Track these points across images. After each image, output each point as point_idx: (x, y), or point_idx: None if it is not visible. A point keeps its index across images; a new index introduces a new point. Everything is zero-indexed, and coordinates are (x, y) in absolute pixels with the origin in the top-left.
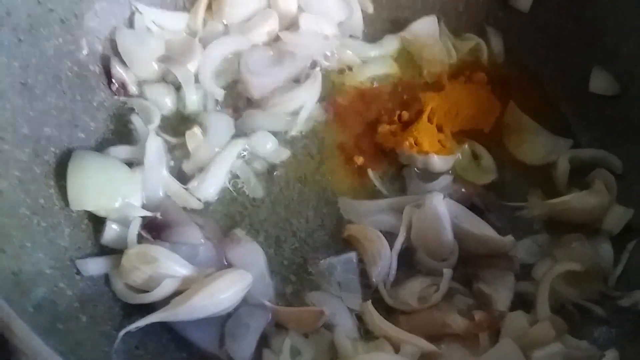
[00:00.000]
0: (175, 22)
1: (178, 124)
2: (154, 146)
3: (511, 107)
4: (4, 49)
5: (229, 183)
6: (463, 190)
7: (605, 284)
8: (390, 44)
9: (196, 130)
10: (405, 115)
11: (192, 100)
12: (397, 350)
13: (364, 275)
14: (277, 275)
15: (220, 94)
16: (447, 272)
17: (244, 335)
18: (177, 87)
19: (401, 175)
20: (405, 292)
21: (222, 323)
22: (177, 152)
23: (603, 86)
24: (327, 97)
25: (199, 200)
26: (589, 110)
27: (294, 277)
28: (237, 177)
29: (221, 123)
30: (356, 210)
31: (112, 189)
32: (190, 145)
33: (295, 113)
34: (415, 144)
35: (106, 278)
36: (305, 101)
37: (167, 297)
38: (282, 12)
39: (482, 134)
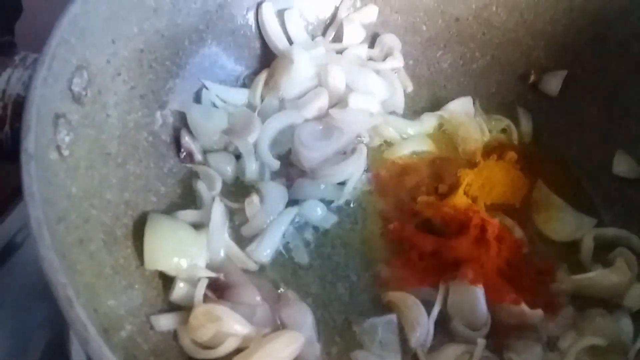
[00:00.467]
0: (237, 97)
1: (237, 190)
2: (219, 211)
3: (539, 185)
4: (95, 124)
5: (282, 247)
6: None
7: (625, 358)
8: (429, 122)
9: (254, 198)
10: (443, 187)
11: (252, 169)
12: None
13: (402, 339)
14: (323, 335)
15: (276, 165)
16: (481, 342)
17: None
18: (237, 156)
19: None
20: (441, 358)
21: None
22: (236, 217)
23: (626, 169)
24: (371, 169)
25: (255, 263)
26: (612, 191)
27: (338, 338)
28: (289, 242)
29: (277, 192)
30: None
31: (182, 251)
32: (249, 212)
33: (342, 183)
34: None
35: (174, 334)
36: (352, 173)
37: (229, 354)
38: (331, 91)
39: (513, 209)
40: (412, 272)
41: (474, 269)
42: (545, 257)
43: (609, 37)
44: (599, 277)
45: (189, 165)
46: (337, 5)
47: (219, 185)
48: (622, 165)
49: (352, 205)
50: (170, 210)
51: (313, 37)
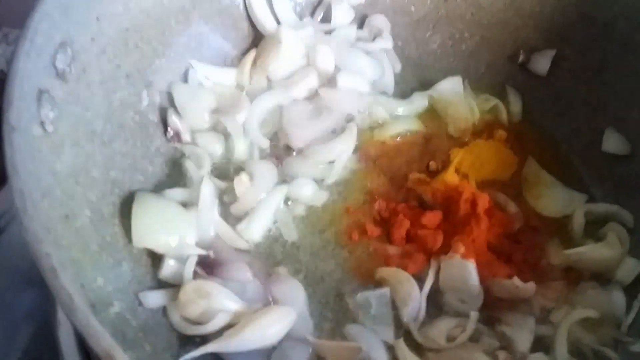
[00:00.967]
0: (225, 77)
1: (226, 170)
2: (208, 189)
3: (530, 162)
4: (80, 101)
5: (273, 225)
6: None
7: (618, 330)
8: (419, 101)
9: (243, 177)
10: (433, 165)
11: (240, 148)
12: None
13: (395, 315)
14: (315, 311)
15: (265, 143)
16: (474, 315)
17: None
18: (226, 136)
19: None
20: (433, 332)
21: (268, 355)
22: (226, 195)
23: (615, 146)
24: (361, 148)
25: (246, 240)
26: (603, 168)
27: (330, 314)
28: (280, 219)
29: (266, 171)
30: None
31: (171, 229)
32: (238, 190)
33: (332, 162)
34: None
35: (163, 310)
36: (342, 152)
37: (219, 330)
38: (321, 70)
39: (504, 186)
40: (403, 250)
41: (466, 244)
42: (537, 232)
43: (597, 16)
44: (590, 251)
45: (176, 145)
46: None
47: (208, 164)
48: (611, 142)
49: (342, 183)
50: (158, 189)
51: (301, 18)
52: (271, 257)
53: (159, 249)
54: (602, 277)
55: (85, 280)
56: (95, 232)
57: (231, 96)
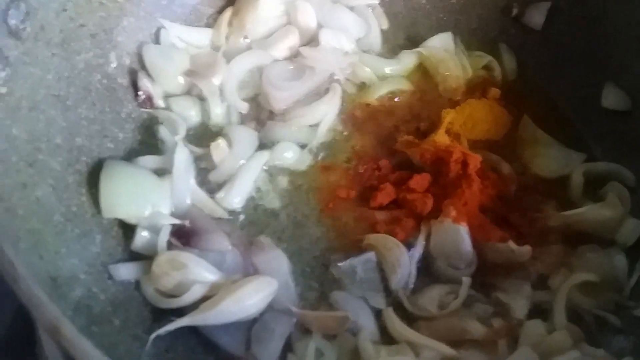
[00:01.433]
0: (199, 37)
1: (203, 135)
2: (182, 156)
3: (525, 120)
4: (39, 62)
5: (255, 192)
6: None
7: (620, 294)
8: (407, 60)
9: (221, 142)
10: (423, 127)
11: (217, 113)
12: (417, 354)
13: (384, 281)
14: (299, 281)
15: (244, 107)
16: (466, 280)
17: (269, 339)
18: (202, 100)
19: None
20: (424, 299)
21: (249, 327)
22: (203, 162)
23: (615, 102)
24: (346, 110)
25: (225, 209)
26: (602, 125)
27: (315, 283)
28: (261, 186)
29: (245, 136)
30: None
31: (143, 198)
32: (216, 157)
33: (316, 125)
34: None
35: (136, 283)
36: (325, 114)
37: (196, 302)
38: (302, 28)
39: (498, 146)
40: (391, 215)
41: (457, 207)
42: (533, 193)
43: None
44: (590, 212)
45: (148, 110)
46: None
47: (182, 130)
48: (611, 97)
49: (326, 147)
50: (130, 156)
51: None
52: (252, 226)
53: (130, 219)
54: (603, 239)
55: (45, 252)
56: (59, 201)
57: (206, 57)
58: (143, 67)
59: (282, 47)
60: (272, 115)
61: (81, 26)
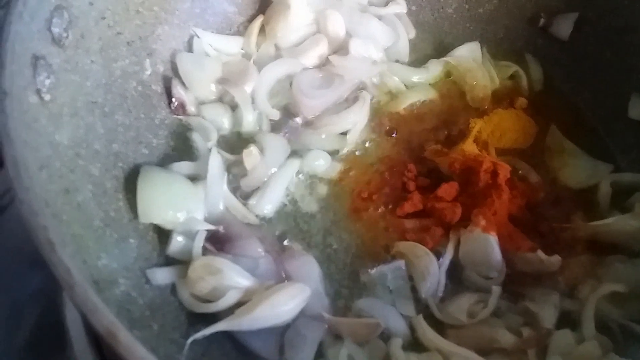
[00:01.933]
0: (231, 45)
1: (234, 142)
2: (216, 162)
3: (552, 130)
4: (79, 70)
5: (286, 199)
6: None
7: None
8: (435, 69)
9: (253, 149)
10: (451, 135)
11: (249, 120)
12: None
13: (413, 289)
14: (330, 287)
15: (275, 114)
16: (496, 290)
17: (302, 345)
18: (233, 108)
19: None
20: (454, 308)
21: (282, 333)
22: (234, 168)
23: None
24: (375, 118)
25: (257, 216)
26: (628, 136)
27: (345, 290)
28: (293, 193)
29: (277, 144)
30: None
31: (178, 203)
32: (248, 164)
33: (345, 133)
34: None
35: (172, 288)
36: (355, 122)
37: (231, 307)
38: (331, 37)
39: (525, 156)
40: (420, 223)
41: (486, 216)
42: (561, 203)
43: None
44: (617, 222)
45: (181, 116)
46: None
47: (214, 136)
48: (637, 108)
49: (355, 155)
50: (163, 162)
51: None
52: (283, 232)
53: (166, 224)
54: (630, 250)
55: (87, 256)
56: (98, 207)
57: (238, 65)
58: (176, 74)
59: (312, 56)
60: (302, 122)
61: (118, 34)
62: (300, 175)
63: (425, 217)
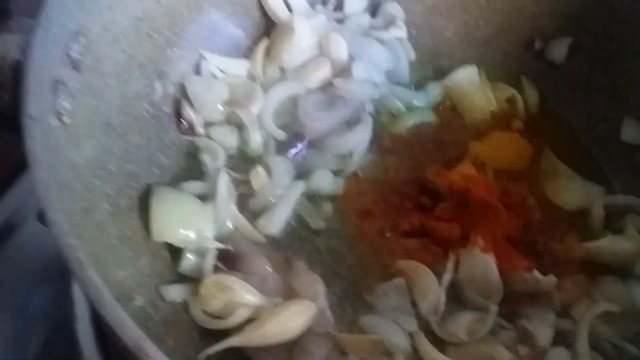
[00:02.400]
0: (237, 68)
1: (240, 162)
2: (224, 182)
3: (547, 153)
4: (95, 93)
5: (292, 218)
6: None
7: (639, 325)
8: (434, 92)
9: (260, 170)
10: (450, 157)
11: (256, 140)
12: None
13: (414, 306)
14: (335, 304)
15: (281, 134)
16: (493, 308)
17: None
18: (239, 128)
19: None
20: (454, 326)
21: (289, 349)
22: (241, 188)
23: (634, 136)
24: (376, 139)
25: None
26: (621, 158)
27: (349, 308)
28: (298, 212)
29: (283, 165)
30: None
31: (189, 222)
32: (255, 184)
33: (348, 154)
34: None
35: (183, 305)
36: (358, 143)
37: (241, 324)
38: (333, 60)
39: (520, 178)
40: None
41: (484, 237)
42: (555, 225)
43: (613, 1)
44: (610, 244)
45: (189, 137)
46: None
47: (222, 156)
48: (630, 132)
49: (357, 175)
50: (174, 182)
51: (313, 6)
52: (289, 250)
53: (178, 242)
54: (623, 270)
55: (107, 274)
56: (114, 225)
57: (244, 87)
58: (185, 96)
59: (316, 78)
60: (307, 143)
61: (131, 57)
62: (305, 195)
63: (425, 237)
